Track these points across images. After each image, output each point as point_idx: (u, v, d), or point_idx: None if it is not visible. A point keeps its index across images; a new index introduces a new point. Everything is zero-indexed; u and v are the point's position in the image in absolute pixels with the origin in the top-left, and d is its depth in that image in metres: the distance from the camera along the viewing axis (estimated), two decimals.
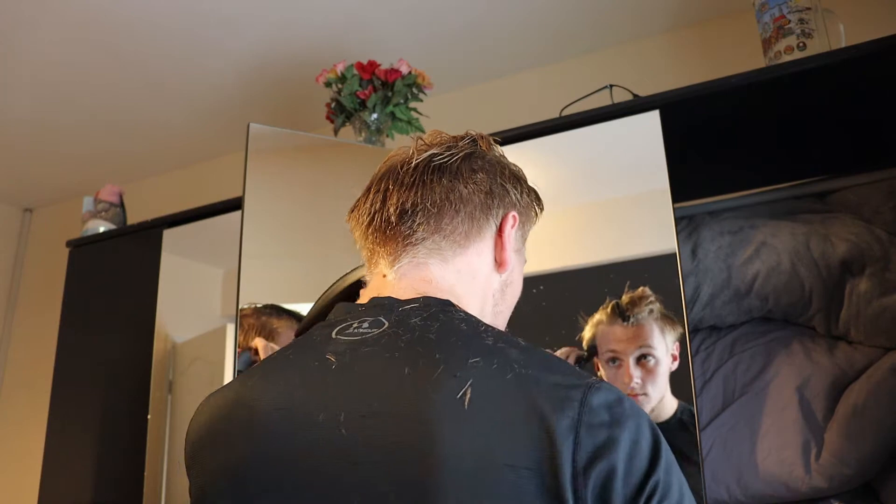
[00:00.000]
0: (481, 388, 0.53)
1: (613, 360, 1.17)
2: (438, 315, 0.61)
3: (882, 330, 1.26)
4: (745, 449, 1.26)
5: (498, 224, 0.71)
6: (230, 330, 1.44)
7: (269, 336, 1.28)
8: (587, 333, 1.20)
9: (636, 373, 1.15)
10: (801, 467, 1.21)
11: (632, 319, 1.16)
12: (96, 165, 2.49)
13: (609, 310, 1.18)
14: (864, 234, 1.29)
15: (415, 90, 1.58)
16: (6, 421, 2.56)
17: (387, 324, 0.61)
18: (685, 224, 1.43)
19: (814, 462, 1.20)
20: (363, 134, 1.55)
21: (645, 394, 1.13)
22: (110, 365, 1.70)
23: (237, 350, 1.27)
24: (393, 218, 0.69)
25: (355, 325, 0.62)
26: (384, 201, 0.70)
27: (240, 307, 1.27)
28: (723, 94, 1.21)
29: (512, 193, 0.73)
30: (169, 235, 1.70)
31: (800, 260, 1.32)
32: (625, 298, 1.17)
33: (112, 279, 1.80)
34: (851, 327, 1.29)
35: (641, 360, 1.15)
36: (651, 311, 1.15)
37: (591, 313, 1.21)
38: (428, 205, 0.68)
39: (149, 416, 1.56)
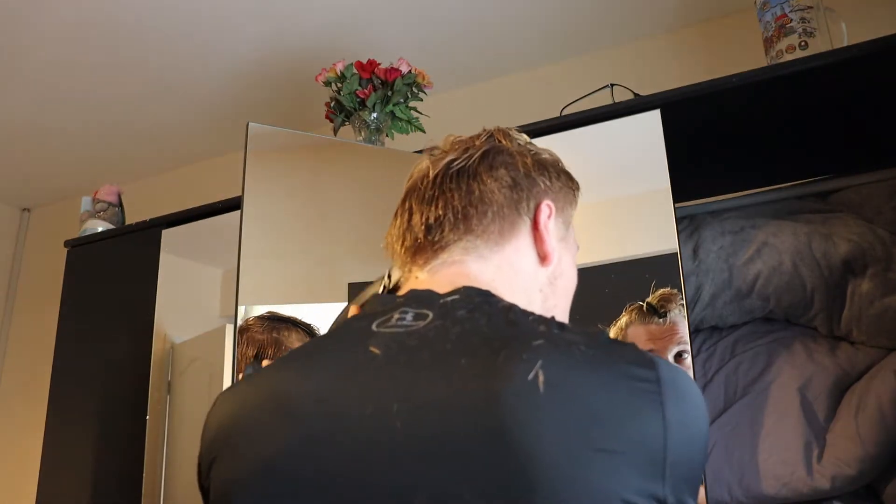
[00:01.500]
0: (552, 369, 0.50)
1: None
2: (483, 306, 0.59)
3: (884, 330, 1.26)
4: (746, 450, 1.25)
5: (532, 217, 0.69)
6: (229, 330, 1.43)
7: (280, 351, 1.27)
8: (612, 333, 1.18)
9: None
10: (803, 468, 1.20)
11: (668, 316, 1.15)
12: (94, 165, 2.48)
13: (640, 309, 1.17)
14: (867, 234, 1.28)
15: (415, 89, 1.57)
16: (4, 421, 2.55)
17: (431, 315, 0.58)
18: (686, 224, 1.43)
19: (815, 463, 1.20)
20: (363, 133, 1.55)
21: None
22: (109, 365, 1.70)
23: (236, 350, 1.26)
24: (420, 235, 0.68)
25: (396, 317, 0.59)
26: (410, 220, 0.69)
27: (241, 321, 1.26)
28: (724, 93, 1.21)
29: (540, 182, 0.70)
30: (168, 235, 1.70)
31: (801, 260, 1.32)
32: (654, 297, 1.16)
33: (110, 279, 1.79)
34: (853, 328, 1.29)
35: (679, 357, 1.14)
36: (680, 309, 1.15)
37: (590, 313, 1.20)
38: (451, 214, 0.67)
39: (147, 417, 1.55)
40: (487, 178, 0.68)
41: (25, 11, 1.70)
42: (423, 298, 0.62)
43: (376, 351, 0.56)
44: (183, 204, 1.78)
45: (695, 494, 0.52)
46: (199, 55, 1.89)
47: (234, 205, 1.51)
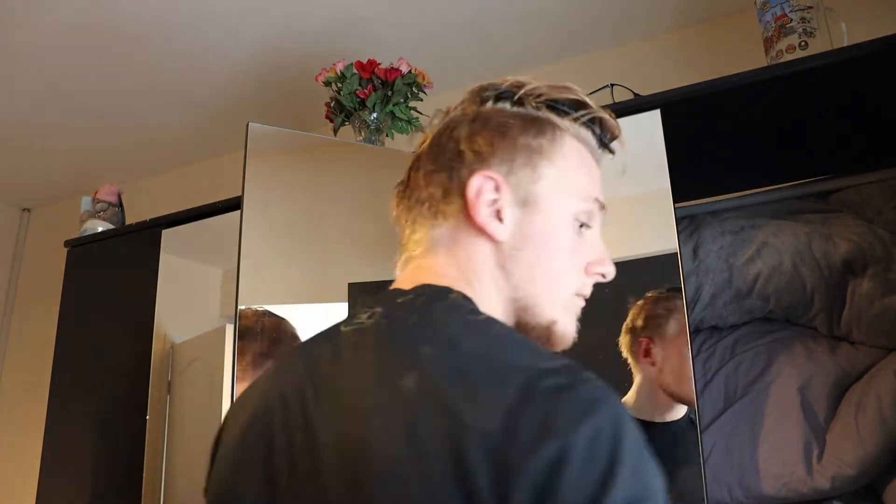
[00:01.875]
0: (424, 378, 0.49)
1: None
2: (422, 305, 0.58)
3: (884, 330, 1.26)
4: (746, 450, 1.25)
5: (461, 192, 0.63)
6: (229, 330, 1.43)
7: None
8: (636, 321, 1.18)
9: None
10: (803, 468, 1.20)
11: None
12: (94, 165, 2.48)
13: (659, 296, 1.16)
14: (867, 234, 1.28)
15: (415, 89, 1.57)
16: (4, 421, 2.55)
17: (380, 312, 0.59)
18: (686, 224, 1.43)
19: (816, 463, 1.20)
20: (363, 133, 1.55)
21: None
22: (109, 365, 1.70)
23: (236, 351, 1.26)
24: (393, 219, 0.70)
25: (359, 316, 0.61)
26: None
27: (237, 322, 1.26)
28: (724, 93, 1.21)
29: (469, 153, 0.64)
30: (168, 235, 1.70)
31: (801, 260, 1.32)
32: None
33: (110, 279, 1.79)
34: (853, 328, 1.29)
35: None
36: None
37: (591, 313, 1.20)
38: (403, 212, 0.68)
39: (147, 417, 1.55)
40: (421, 164, 0.67)
41: (25, 12, 1.70)
42: (387, 297, 0.62)
43: (326, 350, 0.60)
44: (183, 204, 1.78)
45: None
46: (199, 55, 1.89)
47: (235, 205, 1.51)
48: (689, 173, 1.25)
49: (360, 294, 1.35)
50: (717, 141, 1.37)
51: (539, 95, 0.66)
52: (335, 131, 1.61)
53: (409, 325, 0.57)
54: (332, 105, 1.61)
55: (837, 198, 1.37)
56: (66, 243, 1.90)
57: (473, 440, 0.45)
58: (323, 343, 0.62)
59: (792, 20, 1.23)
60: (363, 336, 0.58)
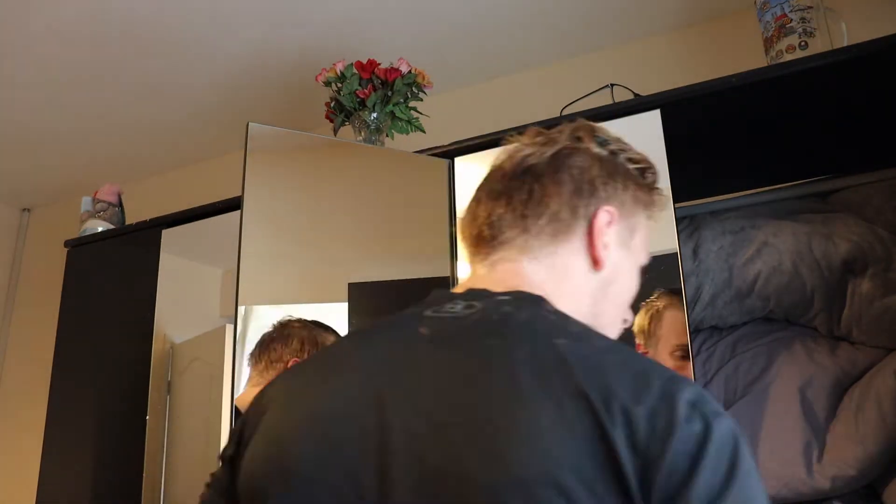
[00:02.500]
0: (558, 366, 0.53)
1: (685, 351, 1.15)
2: (528, 307, 0.62)
3: (884, 330, 1.26)
4: None
5: (589, 220, 0.70)
6: (229, 330, 1.43)
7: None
8: (643, 318, 1.18)
9: (670, 363, 1.15)
10: (803, 468, 1.20)
11: (684, 312, 1.15)
12: (94, 165, 2.48)
13: (680, 296, 1.16)
14: (867, 234, 1.28)
15: (414, 89, 1.57)
16: (4, 421, 2.55)
17: (479, 306, 0.62)
18: (686, 224, 1.43)
19: (816, 463, 1.20)
20: (363, 133, 1.55)
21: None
22: (109, 365, 1.70)
23: (236, 351, 1.26)
24: (484, 230, 0.71)
25: (448, 306, 0.64)
26: (476, 211, 0.73)
27: (237, 322, 1.26)
28: (724, 93, 1.21)
29: (602, 189, 0.71)
30: (168, 235, 1.70)
31: (801, 260, 1.32)
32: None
33: (110, 279, 1.79)
34: (853, 328, 1.29)
35: (678, 350, 1.15)
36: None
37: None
38: (510, 214, 0.70)
39: (147, 417, 1.55)
40: (549, 182, 0.70)
41: (25, 12, 1.70)
42: (476, 294, 0.66)
43: (424, 331, 0.62)
44: (183, 204, 1.78)
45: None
46: (199, 55, 1.89)
47: (235, 205, 1.51)
48: (689, 173, 1.25)
49: (361, 294, 1.35)
50: (717, 141, 1.37)
51: (636, 162, 0.75)
52: (335, 131, 1.61)
53: (523, 319, 0.60)
54: (332, 105, 1.61)
55: (837, 198, 1.37)
56: (66, 243, 1.90)
57: (620, 434, 0.49)
58: (401, 330, 0.64)
59: (792, 20, 1.23)
60: (466, 322, 0.61)
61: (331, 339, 1.30)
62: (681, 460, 0.50)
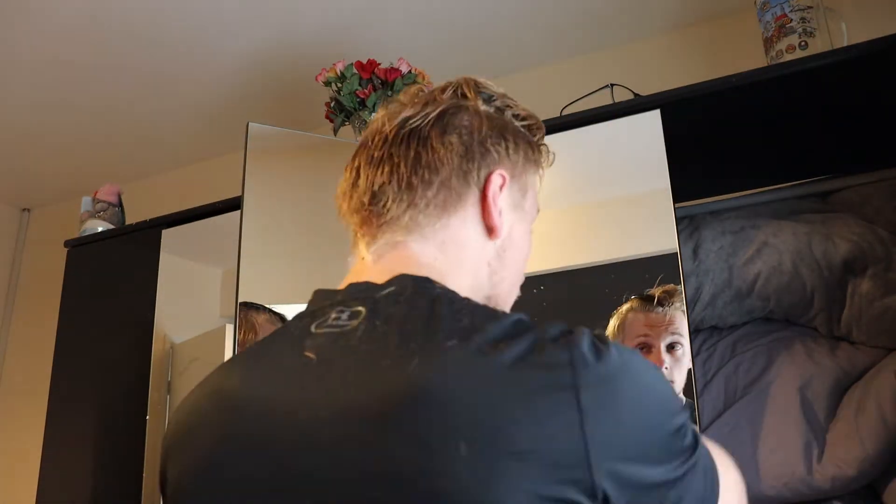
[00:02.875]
0: (462, 378, 0.49)
1: (643, 346, 1.17)
2: (414, 297, 0.57)
3: (884, 330, 1.26)
4: (746, 450, 1.25)
5: (481, 188, 0.65)
6: (229, 330, 1.43)
7: (251, 333, 1.28)
8: (613, 323, 1.19)
9: (667, 359, 1.15)
10: (803, 468, 1.20)
11: (666, 308, 1.16)
12: (94, 165, 2.48)
13: (640, 299, 1.18)
14: (867, 234, 1.28)
15: None
16: (4, 421, 2.55)
17: (364, 312, 0.57)
18: (686, 224, 1.43)
19: (815, 463, 1.20)
20: (362, 133, 1.55)
21: (672, 381, 1.13)
22: (108, 365, 1.70)
23: (236, 351, 1.26)
24: (365, 199, 0.65)
25: (333, 316, 0.58)
26: (356, 181, 0.67)
27: (237, 322, 1.26)
28: (724, 93, 1.21)
29: (493, 151, 0.66)
30: (167, 235, 1.70)
31: (801, 260, 1.32)
32: (657, 290, 1.17)
33: (110, 279, 1.79)
34: (853, 328, 1.29)
35: (671, 348, 1.16)
36: (679, 305, 1.16)
37: (591, 313, 1.20)
38: (395, 182, 0.64)
39: (147, 417, 1.55)
40: (437, 145, 0.65)
41: (25, 12, 1.70)
42: (359, 292, 0.60)
43: (311, 355, 0.56)
44: (183, 204, 1.78)
45: (651, 459, 0.50)
46: (199, 55, 1.89)
47: (234, 205, 1.51)
48: (689, 173, 1.25)
49: None
50: (717, 141, 1.37)
51: (523, 118, 0.71)
52: (335, 131, 1.61)
53: (410, 321, 0.54)
54: (331, 105, 1.61)
55: (837, 198, 1.37)
56: (66, 243, 1.90)
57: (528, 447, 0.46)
58: (288, 350, 0.59)
59: (792, 20, 1.23)
60: (353, 338, 0.55)
61: (261, 318, 1.29)
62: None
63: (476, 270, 0.65)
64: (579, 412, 0.46)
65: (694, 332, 1.39)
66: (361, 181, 0.66)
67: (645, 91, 1.32)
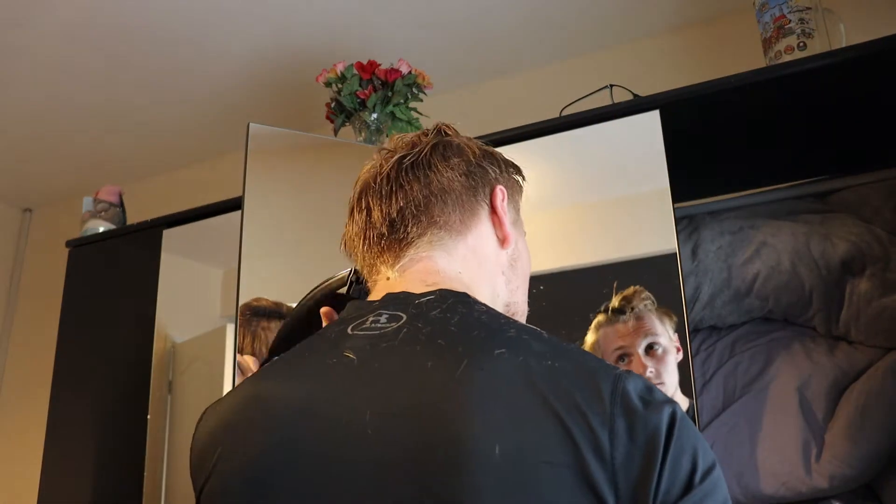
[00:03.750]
0: (510, 381, 0.51)
1: (622, 356, 1.17)
2: (457, 307, 0.59)
3: (882, 330, 1.26)
4: (745, 449, 1.25)
5: (488, 202, 0.71)
6: (230, 330, 1.44)
7: (257, 343, 1.27)
8: (590, 338, 1.20)
9: (648, 363, 1.15)
10: (802, 468, 1.20)
11: (630, 313, 1.16)
12: (96, 165, 2.48)
13: (605, 312, 1.19)
14: (865, 234, 1.29)
15: (415, 90, 1.58)
16: (6, 420, 2.56)
17: (405, 317, 0.59)
18: (685, 224, 1.43)
19: (814, 462, 1.20)
20: (363, 134, 1.55)
21: (662, 382, 1.13)
22: (110, 365, 1.70)
23: (237, 351, 1.26)
24: (384, 230, 0.67)
25: (371, 319, 0.60)
26: (369, 218, 0.69)
27: (238, 322, 1.26)
28: (723, 93, 1.21)
29: (490, 170, 0.72)
30: (169, 235, 1.70)
31: (800, 260, 1.32)
32: (615, 299, 1.18)
33: (112, 279, 1.79)
34: (852, 327, 1.29)
35: (650, 350, 1.16)
36: (646, 303, 1.16)
37: (590, 313, 1.21)
38: (412, 207, 0.67)
39: (148, 416, 1.56)
40: (443, 168, 0.69)
41: (26, 12, 1.70)
42: (398, 300, 0.62)
43: (351, 356, 0.57)
44: (184, 204, 1.78)
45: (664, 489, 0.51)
46: (200, 56, 1.90)
47: (235, 205, 1.51)
48: (689, 173, 1.25)
49: None
50: (716, 141, 1.37)
51: (492, 150, 0.76)
52: (335, 132, 1.62)
53: (455, 327, 0.57)
54: (332, 105, 1.61)
55: (836, 198, 1.38)
56: (68, 243, 1.90)
57: (588, 451, 0.48)
58: (327, 353, 0.59)
59: (790, 21, 1.24)
60: (395, 340, 0.57)
61: (272, 325, 1.28)
62: (654, 458, 0.49)
63: (494, 281, 0.69)
64: (611, 438, 0.49)
65: (693, 332, 1.39)
66: (375, 215, 0.68)
67: (644, 92, 1.33)
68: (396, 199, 0.68)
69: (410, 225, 0.67)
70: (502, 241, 0.70)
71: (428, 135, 0.73)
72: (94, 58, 1.89)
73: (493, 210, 0.70)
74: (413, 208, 0.67)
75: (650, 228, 1.21)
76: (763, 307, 1.36)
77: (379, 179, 0.70)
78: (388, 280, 0.67)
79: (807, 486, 1.20)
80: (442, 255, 0.67)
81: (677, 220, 1.19)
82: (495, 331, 0.57)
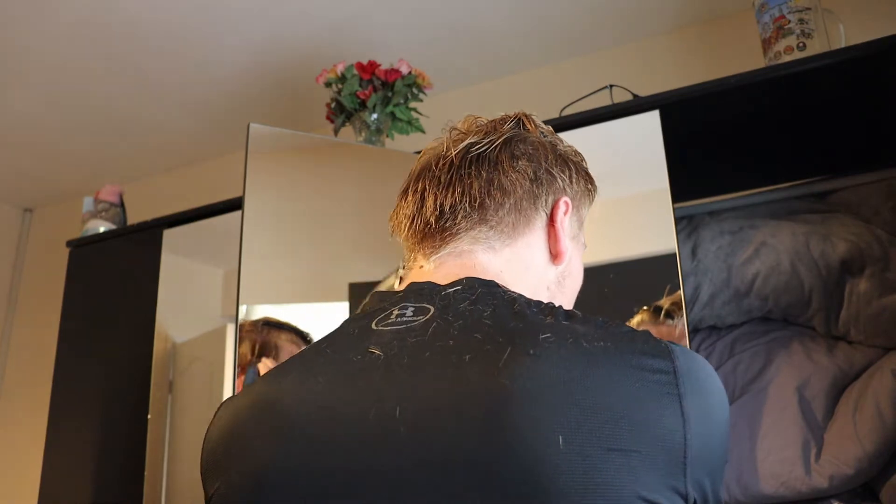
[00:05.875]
0: (560, 366, 0.48)
1: None
2: (486, 297, 0.56)
3: (882, 330, 1.26)
4: (744, 449, 1.26)
5: (548, 212, 0.66)
6: (230, 330, 1.44)
7: (273, 352, 1.27)
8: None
9: None
10: (801, 467, 1.21)
11: (676, 320, 1.16)
12: (96, 165, 2.49)
13: (654, 311, 1.18)
14: (864, 234, 1.29)
15: (415, 90, 1.58)
16: (6, 421, 2.56)
17: (433, 310, 0.56)
18: (685, 224, 1.43)
19: (814, 462, 1.20)
20: (363, 134, 1.55)
21: None
22: (110, 365, 1.70)
23: (237, 351, 1.27)
24: (432, 219, 0.64)
25: (396, 313, 0.57)
26: (422, 204, 0.65)
27: (238, 322, 1.27)
28: (723, 94, 1.21)
29: (559, 179, 0.67)
30: (169, 235, 1.70)
31: (800, 260, 1.32)
32: (666, 301, 1.17)
33: (112, 279, 1.79)
34: (851, 327, 1.29)
35: None
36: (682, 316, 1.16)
37: (590, 313, 1.21)
38: (467, 204, 0.63)
39: (149, 416, 1.56)
40: (509, 168, 0.65)
41: (26, 12, 1.70)
42: (423, 291, 0.59)
43: (377, 352, 0.54)
44: (184, 204, 1.78)
45: (719, 478, 0.52)
46: (200, 56, 1.90)
47: (236, 205, 1.52)
48: (689, 173, 1.26)
49: (361, 294, 1.35)
50: (715, 141, 1.37)
51: (574, 153, 0.73)
52: (336, 132, 1.62)
53: (487, 318, 0.54)
54: (332, 106, 1.61)
55: (835, 198, 1.38)
56: (68, 243, 1.91)
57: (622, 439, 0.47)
58: (349, 350, 0.56)
59: (790, 21, 1.24)
60: (424, 334, 0.54)
61: (283, 338, 1.28)
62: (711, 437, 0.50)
63: (536, 293, 0.65)
64: (683, 420, 0.48)
65: (692, 332, 1.40)
66: (429, 203, 0.65)
67: (644, 92, 1.33)
68: (454, 190, 0.64)
69: (460, 218, 0.63)
70: (555, 256, 0.66)
71: (506, 123, 0.69)
72: (94, 58, 1.89)
73: (552, 222, 0.66)
74: (468, 204, 0.63)
75: (650, 228, 1.21)
76: (763, 307, 1.36)
77: (441, 164, 0.66)
78: (421, 269, 0.65)
79: (806, 485, 1.20)
80: (484, 252, 0.63)
81: (677, 220, 1.19)
82: (532, 317, 0.54)
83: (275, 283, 1.34)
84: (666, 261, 1.17)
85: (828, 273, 1.30)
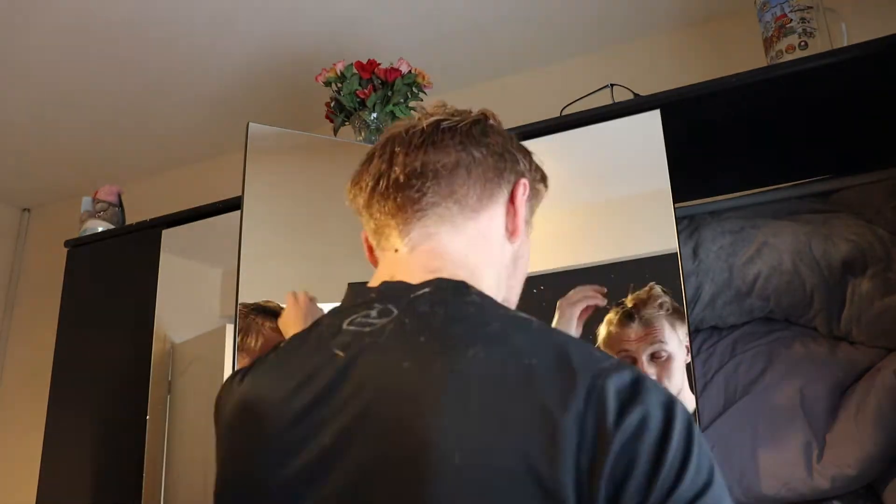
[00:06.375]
0: (479, 384, 0.50)
1: (626, 359, 1.17)
2: (448, 298, 0.58)
3: (884, 330, 1.26)
4: (746, 450, 1.25)
5: (510, 190, 0.69)
6: (229, 330, 1.43)
7: (255, 340, 1.27)
8: (603, 331, 1.20)
9: (651, 370, 1.15)
10: (803, 468, 1.20)
11: (638, 322, 1.16)
12: (95, 165, 2.48)
13: (616, 313, 1.18)
14: (866, 234, 1.28)
15: (414, 89, 1.57)
16: (5, 421, 2.55)
17: (396, 312, 0.58)
18: (686, 224, 1.43)
19: (815, 463, 1.20)
20: (363, 133, 1.55)
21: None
22: (109, 365, 1.70)
23: (236, 350, 1.26)
24: (401, 178, 0.64)
25: (363, 313, 0.59)
26: (390, 164, 0.65)
27: (237, 322, 1.26)
28: (724, 93, 1.21)
29: (521, 162, 0.70)
30: (168, 235, 1.70)
31: (801, 260, 1.32)
32: (629, 300, 1.17)
33: (111, 279, 1.79)
34: (853, 328, 1.29)
35: (654, 357, 1.15)
36: (661, 306, 1.15)
37: (592, 313, 1.20)
38: (440, 166, 0.64)
39: (148, 417, 1.55)
40: (479, 142, 0.67)
41: (26, 11, 1.70)
42: (394, 292, 0.61)
43: (339, 353, 0.57)
44: (183, 204, 1.78)
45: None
46: (199, 55, 1.89)
47: (235, 205, 1.51)
48: (690, 173, 1.25)
49: None
50: (717, 141, 1.37)
51: (529, 152, 0.74)
52: (335, 131, 1.61)
53: (438, 325, 0.55)
54: (332, 105, 1.61)
55: (837, 198, 1.38)
56: (67, 243, 1.90)
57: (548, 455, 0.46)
58: (318, 348, 0.60)
59: (792, 20, 1.23)
60: (380, 337, 0.56)
61: (268, 325, 1.28)
62: (632, 460, 0.46)
63: (498, 271, 0.68)
64: (578, 443, 0.47)
65: (694, 332, 1.39)
66: (399, 161, 0.65)
67: (645, 91, 1.32)
68: (426, 151, 0.65)
69: (430, 185, 0.64)
70: (511, 232, 0.68)
71: (472, 112, 0.71)
72: (93, 58, 1.89)
73: (513, 199, 0.68)
74: (440, 167, 0.64)
75: (651, 228, 1.21)
76: (764, 307, 1.36)
77: (412, 131, 0.67)
78: (395, 253, 0.65)
79: (808, 486, 1.19)
80: (449, 232, 0.64)
81: (678, 220, 1.19)
82: (478, 325, 0.55)
83: (274, 282, 1.34)
84: (667, 261, 1.16)
85: (829, 273, 1.30)
